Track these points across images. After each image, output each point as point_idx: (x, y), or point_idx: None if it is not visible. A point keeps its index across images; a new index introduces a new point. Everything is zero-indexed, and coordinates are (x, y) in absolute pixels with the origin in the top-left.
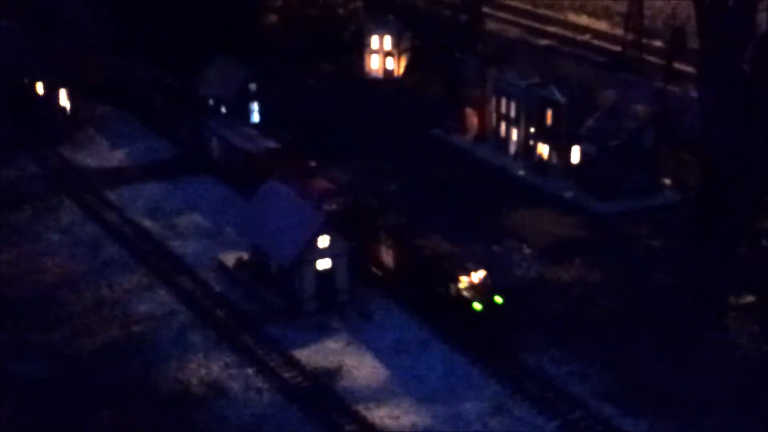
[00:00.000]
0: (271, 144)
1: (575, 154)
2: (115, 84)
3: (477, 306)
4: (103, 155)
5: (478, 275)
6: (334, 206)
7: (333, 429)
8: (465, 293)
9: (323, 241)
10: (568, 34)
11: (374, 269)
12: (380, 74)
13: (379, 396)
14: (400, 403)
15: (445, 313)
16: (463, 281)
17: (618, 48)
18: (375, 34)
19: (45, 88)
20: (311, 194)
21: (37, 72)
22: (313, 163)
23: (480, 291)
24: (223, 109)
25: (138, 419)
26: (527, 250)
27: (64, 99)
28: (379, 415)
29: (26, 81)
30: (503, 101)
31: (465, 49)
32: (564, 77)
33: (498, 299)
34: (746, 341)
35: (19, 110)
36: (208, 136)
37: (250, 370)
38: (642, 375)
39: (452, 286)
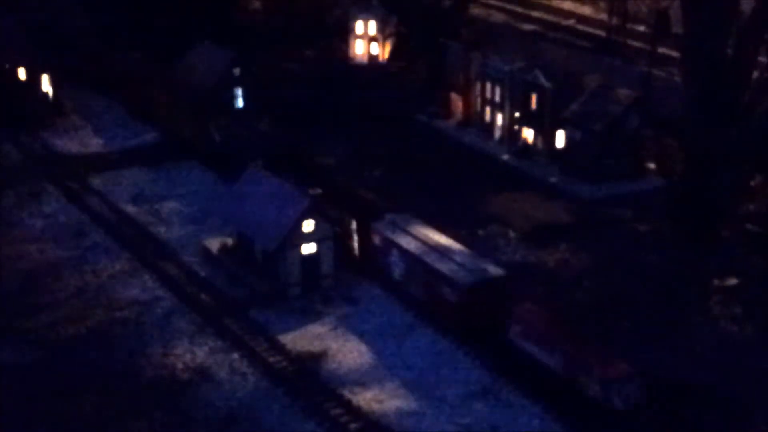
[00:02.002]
0: (492, 268)
1: (560, 139)
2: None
3: None
4: (86, 141)
5: None
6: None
7: (318, 413)
8: None
9: (308, 225)
10: (553, 19)
11: None
12: (365, 59)
13: (364, 380)
14: (385, 386)
15: None
16: None
17: (602, 33)
18: (359, 19)
19: (27, 73)
20: (587, 369)
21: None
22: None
23: None
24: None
25: (123, 404)
26: (512, 235)
27: (46, 85)
28: (364, 398)
29: (7, 66)
30: (488, 86)
31: (449, 34)
32: (548, 62)
33: None
34: (729, 323)
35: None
36: (384, 247)
37: (235, 355)
38: (626, 357)
39: None
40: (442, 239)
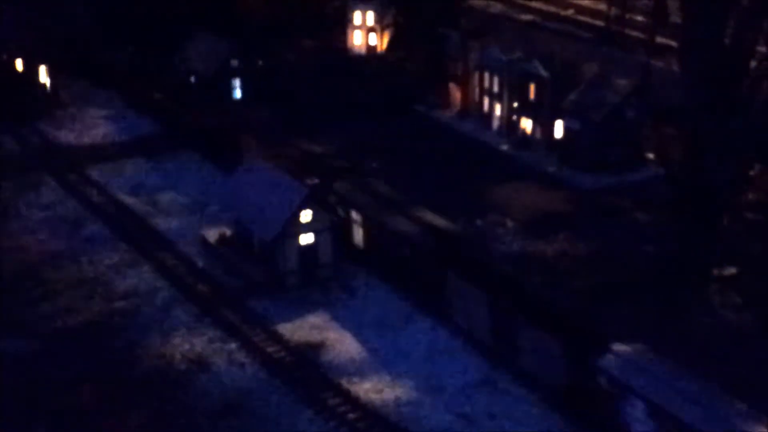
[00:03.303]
0: None
1: (558, 129)
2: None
3: None
4: (85, 132)
5: None
6: None
7: (316, 403)
8: None
9: (306, 215)
10: (552, 9)
11: None
12: (363, 50)
13: (362, 370)
14: (383, 376)
15: None
16: None
17: (601, 23)
18: (358, 9)
19: (24, 64)
20: None
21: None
22: None
23: None
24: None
25: (121, 394)
26: (510, 224)
27: (44, 76)
28: (362, 388)
29: (5, 57)
30: (486, 76)
31: (448, 24)
32: (547, 52)
33: None
34: (728, 312)
35: None
36: (617, 393)
37: (233, 345)
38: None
39: None
40: (711, 400)
